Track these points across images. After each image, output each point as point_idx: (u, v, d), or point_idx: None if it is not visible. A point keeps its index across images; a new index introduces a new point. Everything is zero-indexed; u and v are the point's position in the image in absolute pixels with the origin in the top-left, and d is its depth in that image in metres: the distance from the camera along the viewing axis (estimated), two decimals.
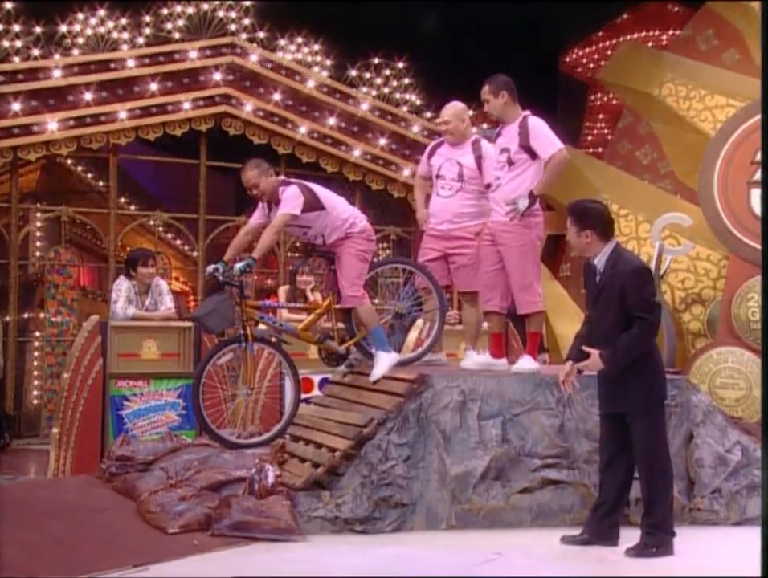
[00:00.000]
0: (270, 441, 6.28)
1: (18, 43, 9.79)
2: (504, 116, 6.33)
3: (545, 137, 6.18)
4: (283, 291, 8.58)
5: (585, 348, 5.16)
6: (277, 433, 6.33)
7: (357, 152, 11.18)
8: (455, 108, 6.72)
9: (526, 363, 6.31)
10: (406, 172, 11.14)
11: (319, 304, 6.76)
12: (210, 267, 6.10)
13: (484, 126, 11.64)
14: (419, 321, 7.19)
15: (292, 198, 6.12)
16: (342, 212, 6.28)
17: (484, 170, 6.52)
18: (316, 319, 6.53)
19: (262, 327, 6.47)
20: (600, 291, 5.19)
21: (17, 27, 9.80)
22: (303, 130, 10.97)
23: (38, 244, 11.41)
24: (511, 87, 6.31)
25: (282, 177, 6.39)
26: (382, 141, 11.22)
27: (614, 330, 5.09)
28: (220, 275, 6.01)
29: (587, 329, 5.35)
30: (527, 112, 6.32)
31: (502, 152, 6.30)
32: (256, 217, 6.35)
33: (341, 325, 6.53)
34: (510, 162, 6.24)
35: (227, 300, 6.08)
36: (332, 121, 11.06)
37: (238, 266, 6.01)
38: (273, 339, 6.46)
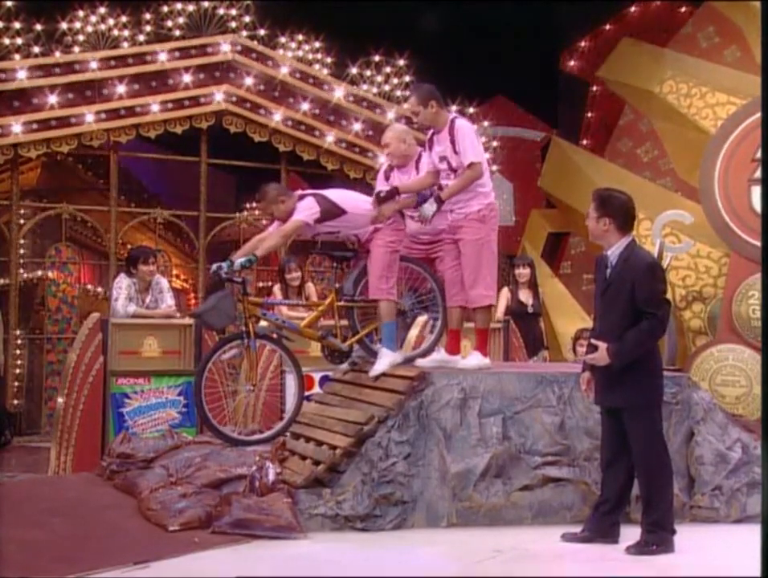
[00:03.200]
0: (273, 438, 6.30)
1: (19, 41, 9.79)
2: (435, 124, 6.25)
3: (466, 146, 6.10)
4: (278, 289, 8.58)
5: (593, 341, 5.15)
6: (280, 431, 6.34)
7: (356, 149, 11.19)
8: (395, 130, 6.64)
9: (474, 359, 6.25)
10: None
11: (321, 301, 6.78)
12: (215, 265, 6.13)
13: (485, 123, 11.65)
14: (420, 318, 7.19)
15: (305, 208, 6.17)
16: (368, 210, 6.27)
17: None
18: (318, 316, 6.55)
19: (264, 323, 6.49)
20: (609, 284, 5.18)
21: (17, 25, 9.80)
22: (303, 128, 10.97)
23: (38, 241, 11.41)
24: (437, 94, 6.24)
25: (298, 192, 6.39)
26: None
27: (620, 325, 5.09)
28: (223, 272, 6.03)
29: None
30: (453, 116, 6.31)
31: (441, 160, 6.24)
32: (276, 226, 6.40)
33: (343, 322, 6.53)
34: (453, 169, 6.20)
35: (228, 297, 6.10)
36: (332, 118, 11.06)
37: (239, 261, 6.03)
38: (274, 336, 6.48)
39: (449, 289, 6.42)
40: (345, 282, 6.47)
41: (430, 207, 6.09)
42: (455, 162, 6.17)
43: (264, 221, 6.20)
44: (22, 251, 10.60)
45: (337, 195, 6.31)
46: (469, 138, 6.14)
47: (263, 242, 6.24)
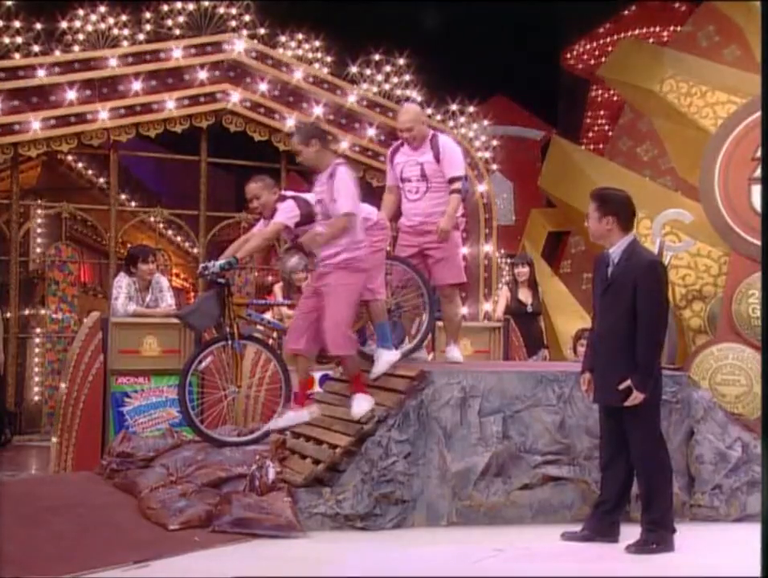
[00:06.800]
0: (261, 438, 6.29)
1: (19, 40, 9.79)
2: (317, 165, 6.03)
3: (341, 195, 5.85)
4: (278, 288, 8.56)
5: (621, 387, 5.06)
6: (267, 432, 6.34)
7: (357, 149, 11.18)
8: (414, 112, 6.61)
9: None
10: None
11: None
12: (201, 265, 6.15)
13: (485, 122, 11.66)
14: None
15: (286, 210, 6.17)
16: None
17: (442, 165, 6.44)
18: None
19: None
20: (611, 283, 5.17)
21: (17, 24, 9.80)
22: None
23: (38, 240, 11.41)
24: (320, 133, 6.08)
25: (280, 193, 6.41)
26: (383, 138, 11.20)
27: (619, 326, 5.09)
28: (207, 273, 6.03)
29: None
30: (338, 161, 6.03)
31: (318, 203, 6.03)
32: (259, 228, 6.42)
33: None
34: (328, 216, 5.95)
35: (211, 298, 6.10)
36: (332, 118, 11.05)
37: (219, 263, 6.04)
38: (259, 337, 6.50)
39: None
40: None
41: (298, 262, 5.87)
42: (331, 208, 5.91)
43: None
44: (22, 250, 10.59)
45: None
46: (346, 187, 5.86)
47: (245, 243, 6.26)
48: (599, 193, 5.30)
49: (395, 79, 11.24)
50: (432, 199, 6.54)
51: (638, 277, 5.07)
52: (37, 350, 10.79)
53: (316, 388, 7.65)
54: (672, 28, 14.82)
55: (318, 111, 10.92)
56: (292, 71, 10.87)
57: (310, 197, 6.30)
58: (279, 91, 10.88)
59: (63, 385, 7.50)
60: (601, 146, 14.44)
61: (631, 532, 5.15)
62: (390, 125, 11.11)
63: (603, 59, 13.53)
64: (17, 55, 9.80)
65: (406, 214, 6.66)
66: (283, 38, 10.95)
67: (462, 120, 11.27)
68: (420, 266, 6.60)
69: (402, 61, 11.23)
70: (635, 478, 5.24)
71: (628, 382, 5.04)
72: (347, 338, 5.92)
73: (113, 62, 10.14)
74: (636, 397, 5.03)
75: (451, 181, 6.49)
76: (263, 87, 10.78)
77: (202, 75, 10.54)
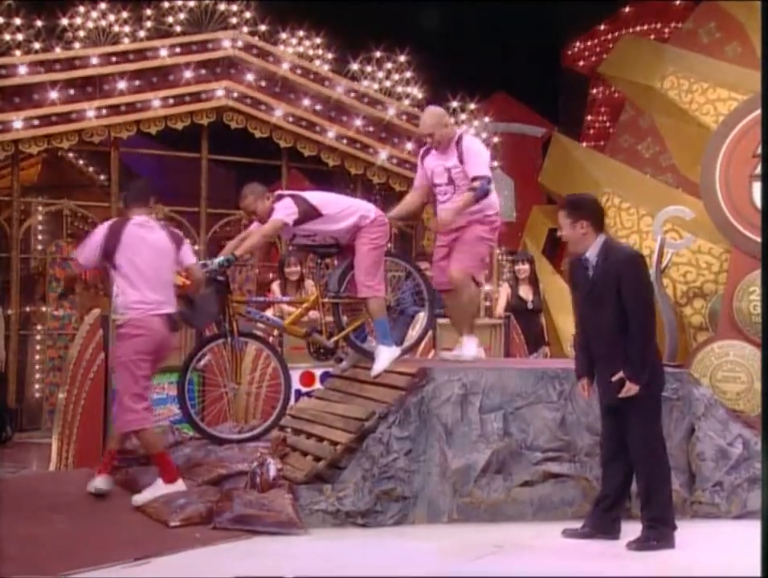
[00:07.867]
0: (261, 435, 6.29)
1: (20, 37, 9.78)
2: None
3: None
4: (276, 285, 8.58)
5: (614, 379, 5.08)
6: (267, 428, 6.34)
7: (358, 146, 11.16)
8: (434, 117, 6.54)
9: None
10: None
11: (306, 298, 6.82)
12: (200, 262, 6.17)
13: (486, 119, 11.65)
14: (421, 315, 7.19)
15: (283, 207, 6.18)
16: (346, 214, 6.27)
17: (465, 166, 6.39)
18: (303, 313, 6.56)
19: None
20: (593, 285, 5.18)
21: (18, 21, 9.79)
22: (304, 124, 10.95)
23: (39, 238, 11.40)
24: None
25: (277, 192, 6.42)
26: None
27: (611, 325, 5.09)
28: (207, 271, 6.04)
29: (584, 337, 5.35)
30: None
31: None
32: (257, 225, 6.43)
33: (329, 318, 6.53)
34: None
35: (209, 295, 6.11)
36: (333, 114, 11.04)
37: (217, 260, 6.07)
38: (259, 334, 6.51)
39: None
40: (329, 279, 6.47)
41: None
42: None
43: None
44: (22, 247, 10.58)
45: (315, 197, 6.30)
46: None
47: (243, 241, 6.28)
48: (569, 200, 5.41)
49: (396, 77, 11.22)
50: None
51: (620, 272, 5.09)
52: (38, 347, 10.78)
53: (317, 385, 7.66)
54: (672, 25, 14.80)
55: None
56: (296, 69, 10.85)
57: (308, 195, 6.30)
58: (282, 90, 10.87)
59: (64, 382, 7.49)
60: (602, 143, 14.42)
61: (631, 529, 5.16)
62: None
63: (604, 56, 13.50)
64: (17, 52, 9.79)
65: (438, 215, 6.66)
66: (284, 35, 10.93)
67: (463, 117, 11.25)
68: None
69: (402, 58, 11.21)
70: (635, 476, 5.24)
71: (620, 374, 5.05)
72: (130, 411, 5.70)
73: (114, 59, 10.13)
74: (630, 389, 5.04)
75: (474, 179, 6.43)
76: (265, 84, 10.77)
77: (204, 71, 10.53)
